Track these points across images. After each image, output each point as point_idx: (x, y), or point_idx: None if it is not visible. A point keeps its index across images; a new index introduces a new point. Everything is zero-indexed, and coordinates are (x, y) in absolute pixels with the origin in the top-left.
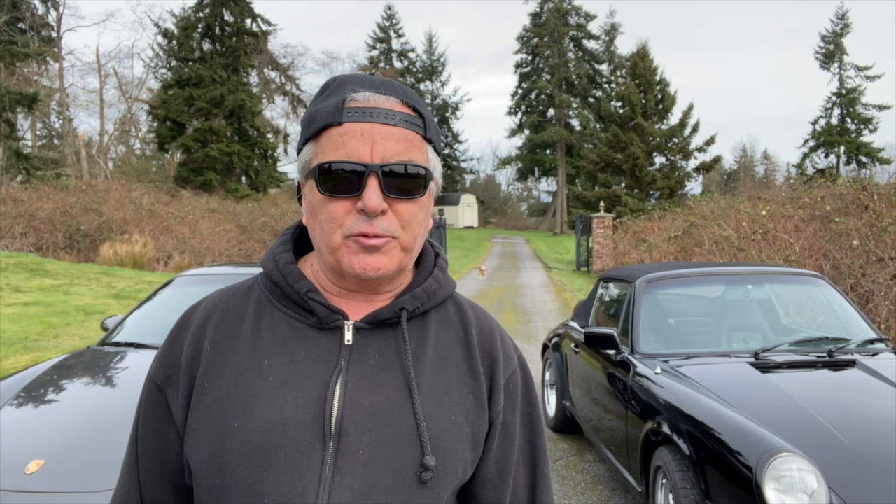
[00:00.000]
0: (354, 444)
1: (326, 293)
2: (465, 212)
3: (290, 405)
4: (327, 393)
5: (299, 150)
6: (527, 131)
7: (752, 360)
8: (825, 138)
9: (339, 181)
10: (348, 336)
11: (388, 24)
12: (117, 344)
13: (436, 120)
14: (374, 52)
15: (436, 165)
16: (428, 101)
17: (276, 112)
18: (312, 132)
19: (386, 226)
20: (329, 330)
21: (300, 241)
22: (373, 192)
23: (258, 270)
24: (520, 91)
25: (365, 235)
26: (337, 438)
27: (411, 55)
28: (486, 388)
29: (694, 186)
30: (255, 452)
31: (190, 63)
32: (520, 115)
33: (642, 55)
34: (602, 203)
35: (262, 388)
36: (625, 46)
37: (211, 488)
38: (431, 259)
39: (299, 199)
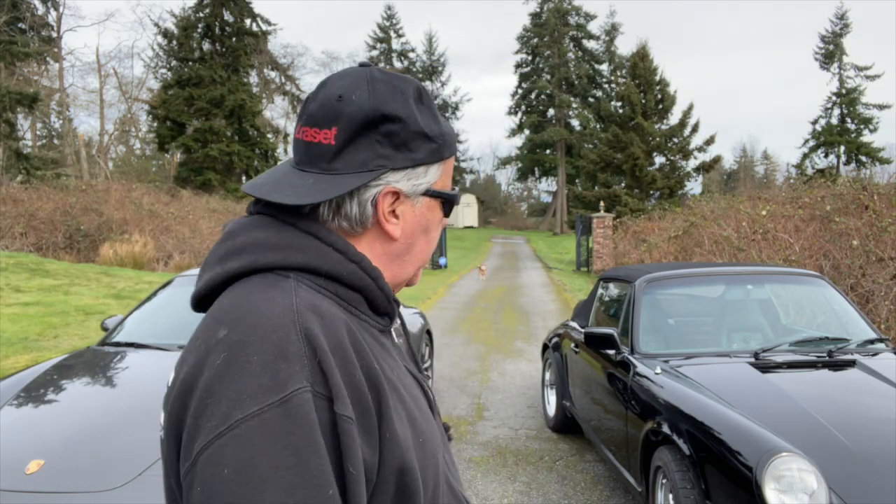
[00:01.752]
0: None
1: None
2: (465, 212)
3: (426, 410)
4: (424, 388)
5: (421, 163)
6: (527, 131)
7: (752, 360)
8: (825, 138)
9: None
10: (394, 335)
11: (388, 24)
12: (117, 344)
13: None
14: (374, 52)
15: None
16: None
17: (276, 112)
18: (448, 156)
19: None
20: (386, 332)
21: None
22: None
23: None
24: (520, 91)
25: None
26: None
27: (411, 55)
28: None
29: (694, 186)
30: (450, 485)
31: (190, 63)
32: (520, 115)
33: (642, 55)
34: (602, 203)
35: (411, 399)
36: (625, 46)
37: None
38: None
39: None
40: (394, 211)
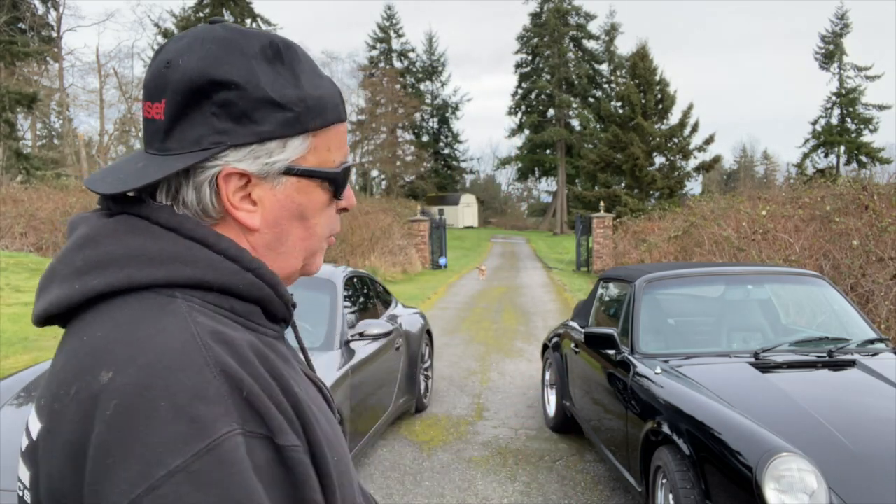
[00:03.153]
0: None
1: None
2: (465, 212)
3: (333, 419)
4: (325, 394)
5: (274, 137)
6: (527, 131)
7: (752, 360)
8: (825, 138)
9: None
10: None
11: (388, 24)
12: None
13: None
14: (374, 52)
15: None
16: (428, 100)
17: None
18: (322, 124)
19: None
20: (280, 338)
21: None
22: (351, 191)
23: None
24: (520, 91)
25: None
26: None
27: (411, 55)
28: None
29: (694, 186)
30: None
31: None
32: (520, 115)
33: (642, 55)
34: (602, 203)
35: (320, 415)
36: (625, 46)
37: None
38: None
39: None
40: (249, 195)
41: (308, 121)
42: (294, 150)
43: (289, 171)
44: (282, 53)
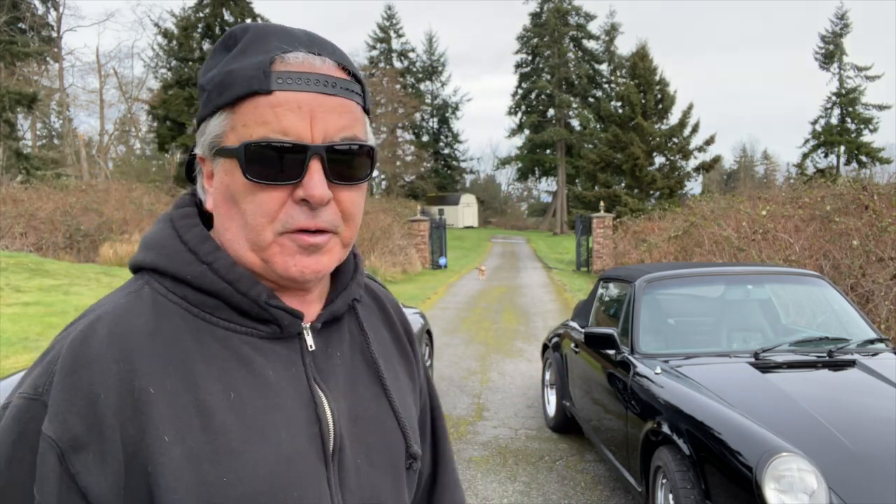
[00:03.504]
0: (352, 456)
1: None
2: (465, 212)
3: (285, 437)
4: (318, 411)
5: (202, 119)
6: (527, 131)
7: (752, 360)
8: (825, 138)
9: (272, 165)
10: (309, 341)
11: (388, 24)
12: None
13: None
14: (374, 52)
15: (373, 142)
16: (428, 100)
17: None
18: (229, 99)
19: (330, 218)
20: (285, 338)
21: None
22: (317, 179)
23: None
24: (520, 91)
25: (305, 231)
26: (338, 455)
27: (411, 55)
28: (413, 360)
29: (694, 186)
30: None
31: (190, 63)
32: (520, 115)
33: (642, 55)
34: (602, 203)
35: (242, 427)
36: (625, 46)
37: None
38: None
39: (191, 178)
40: (211, 179)
41: (216, 97)
42: (214, 128)
43: (217, 152)
44: (234, 40)
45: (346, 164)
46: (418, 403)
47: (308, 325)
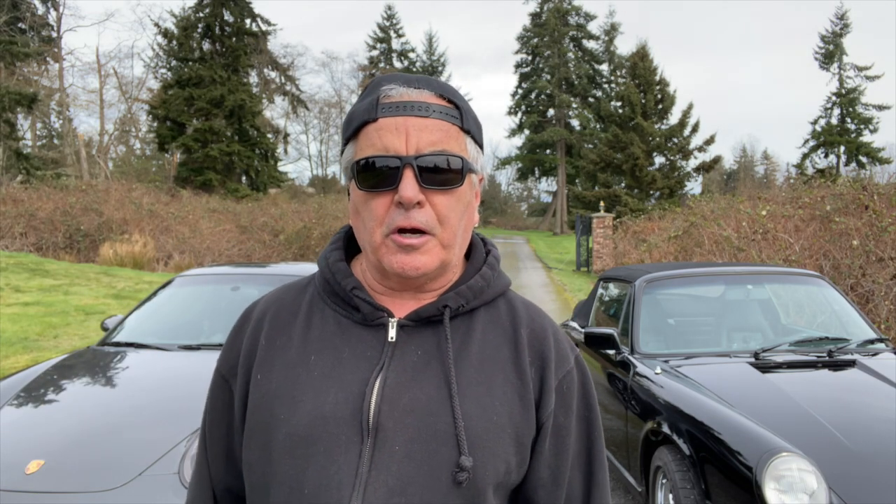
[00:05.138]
0: (391, 440)
1: (373, 291)
2: None
3: (331, 400)
4: (366, 388)
5: (342, 153)
6: (527, 131)
7: (752, 360)
8: (825, 138)
9: (377, 176)
10: (392, 333)
11: (388, 24)
12: (117, 344)
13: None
14: (375, 52)
15: (476, 157)
16: None
17: (276, 112)
18: (351, 132)
19: (424, 219)
20: (374, 327)
21: (354, 242)
22: (408, 183)
23: (260, 270)
24: (520, 91)
25: (402, 231)
26: (374, 434)
27: (411, 55)
28: (534, 388)
29: (694, 186)
30: (297, 444)
31: (190, 63)
32: (520, 115)
33: (642, 55)
34: (602, 203)
35: (307, 383)
36: (625, 46)
37: (259, 479)
38: (482, 256)
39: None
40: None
41: (345, 133)
42: (346, 157)
43: (348, 175)
44: (365, 90)
45: (437, 171)
46: (528, 436)
47: (395, 319)
